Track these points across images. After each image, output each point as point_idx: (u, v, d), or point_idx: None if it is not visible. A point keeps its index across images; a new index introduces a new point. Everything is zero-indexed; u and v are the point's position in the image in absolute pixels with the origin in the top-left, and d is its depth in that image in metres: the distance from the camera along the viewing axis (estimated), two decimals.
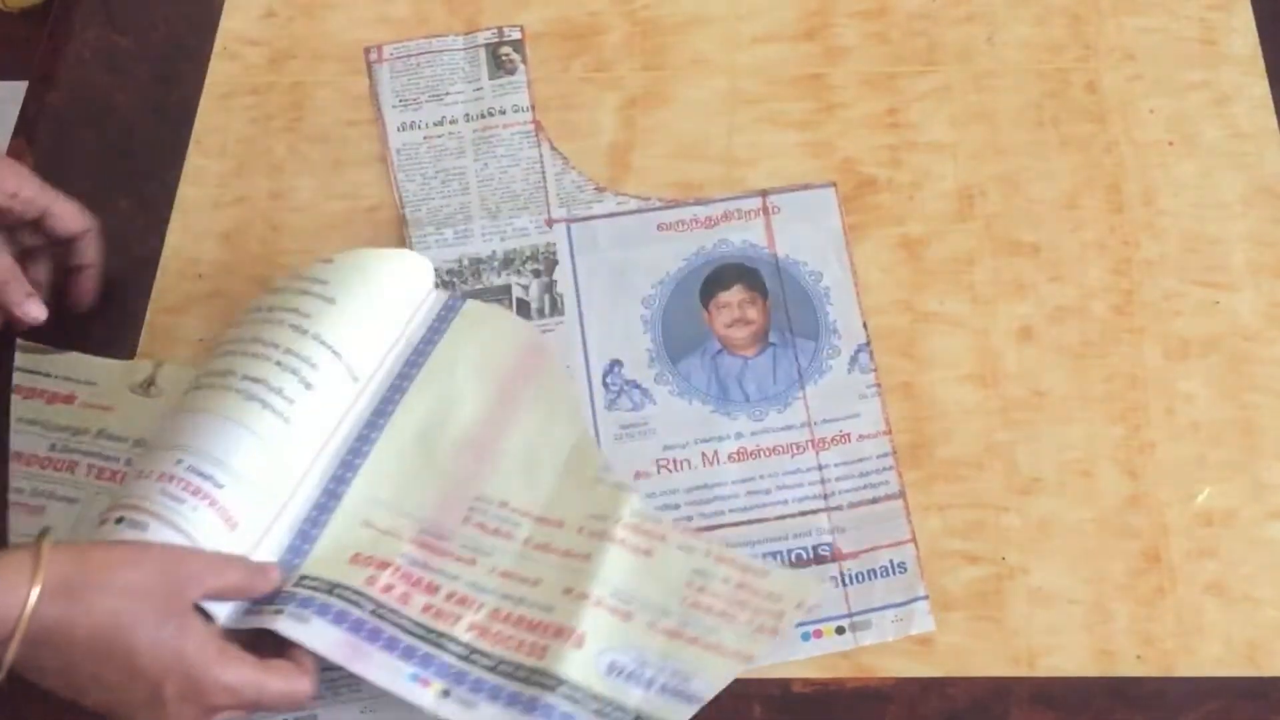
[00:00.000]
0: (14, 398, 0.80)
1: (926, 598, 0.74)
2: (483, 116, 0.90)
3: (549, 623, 0.70)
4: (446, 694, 0.68)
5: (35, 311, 0.79)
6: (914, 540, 0.75)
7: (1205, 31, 0.92)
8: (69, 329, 0.83)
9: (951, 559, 0.75)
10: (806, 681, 0.72)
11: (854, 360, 0.80)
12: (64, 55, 0.96)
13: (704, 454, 0.78)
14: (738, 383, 0.79)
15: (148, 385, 0.80)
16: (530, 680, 0.68)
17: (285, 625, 0.68)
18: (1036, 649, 0.73)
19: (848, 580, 0.74)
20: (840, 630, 0.73)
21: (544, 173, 0.87)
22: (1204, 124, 0.88)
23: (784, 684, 0.72)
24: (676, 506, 0.76)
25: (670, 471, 0.77)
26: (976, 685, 0.72)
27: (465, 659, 0.69)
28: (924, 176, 0.87)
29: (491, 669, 0.69)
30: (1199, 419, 0.79)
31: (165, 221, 0.88)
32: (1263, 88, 0.89)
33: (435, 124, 0.90)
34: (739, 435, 0.78)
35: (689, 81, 0.91)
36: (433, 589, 0.72)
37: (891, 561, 0.75)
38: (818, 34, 0.93)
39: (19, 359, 0.81)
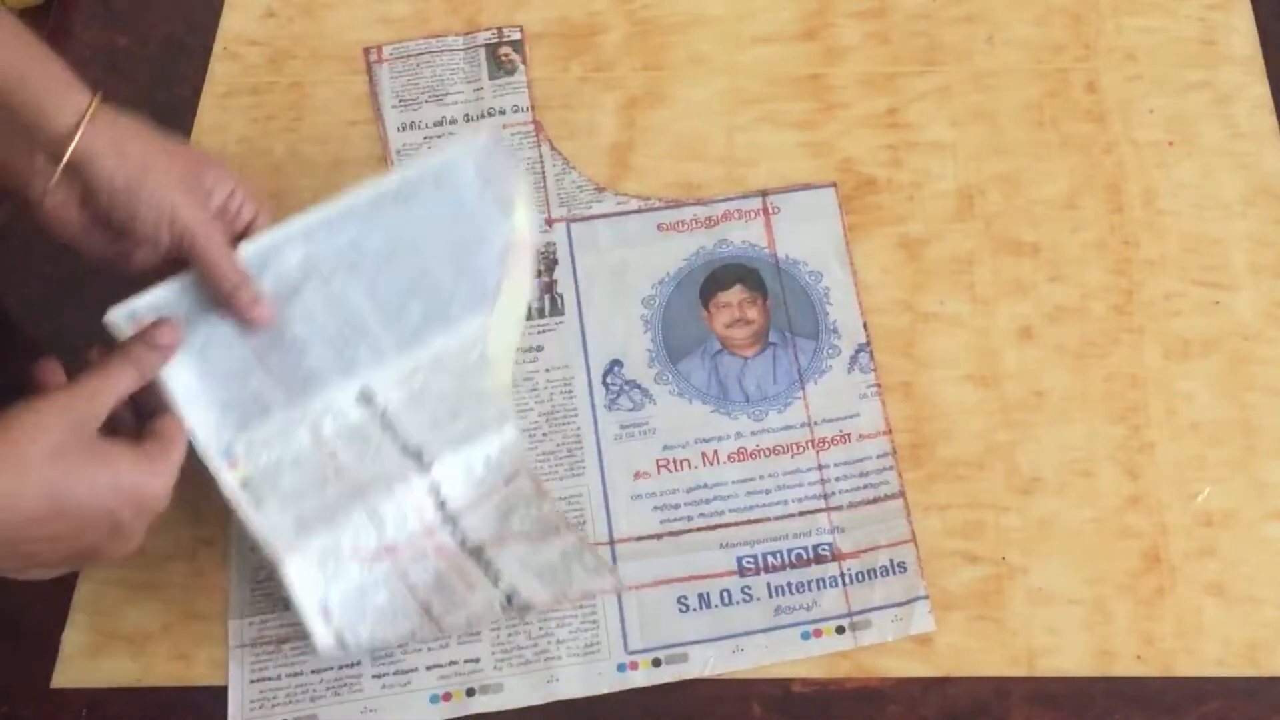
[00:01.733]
0: None
1: (927, 597, 0.74)
2: (482, 117, 0.90)
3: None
4: (246, 485, 0.71)
5: (264, 315, 0.73)
6: (914, 540, 0.75)
7: (1205, 31, 0.92)
8: (69, 328, 0.83)
9: (951, 559, 0.75)
10: (806, 681, 0.72)
11: (854, 360, 0.80)
12: (64, 55, 0.95)
13: (704, 454, 0.78)
14: (738, 382, 0.80)
15: None
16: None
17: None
18: (1036, 649, 0.73)
19: (848, 580, 0.74)
20: (840, 630, 0.73)
21: (544, 173, 0.87)
22: (1204, 124, 0.88)
23: (784, 684, 0.72)
24: (676, 506, 0.77)
25: (670, 471, 0.77)
26: (976, 685, 0.72)
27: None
28: (924, 176, 0.87)
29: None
30: (1199, 419, 0.79)
31: None
32: (1263, 88, 0.89)
33: (435, 124, 0.90)
34: (739, 435, 0.78)
35: (689, 81, 0.91)
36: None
37: (892, 561, 0.75)
38: (818, 34, 0.93)
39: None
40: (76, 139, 0.68)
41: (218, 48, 0.94)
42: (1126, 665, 0.72)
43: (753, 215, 0.85)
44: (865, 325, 0.81)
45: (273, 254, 0.73)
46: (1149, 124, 0.88)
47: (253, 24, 0.95)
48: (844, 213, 0.86)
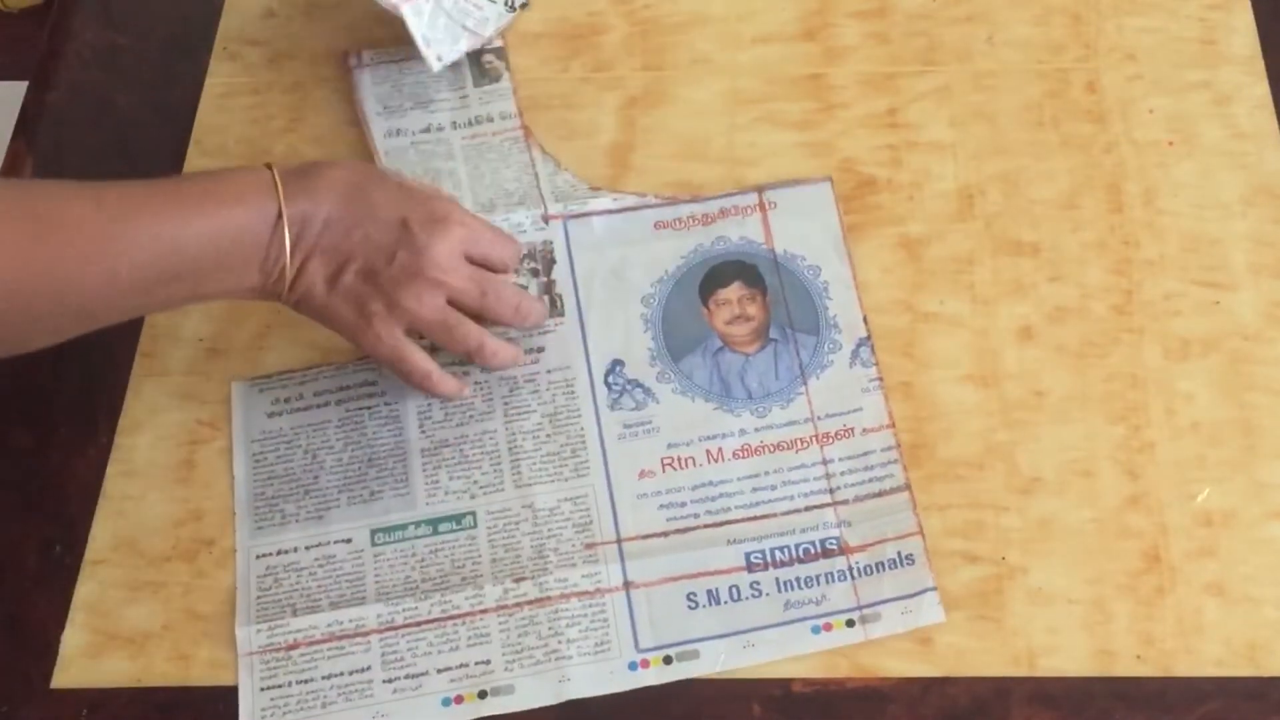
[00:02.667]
0: None
1: (935, 589, 0.74)
2: (470, 124, 0.90)
3: None
4: None
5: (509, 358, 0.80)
6: (921, 532, 0.75)
7: (1205, 31, 0.92)
8: None
9: (951, 559, 0.75)
10: (806, 681, 0.72)
11: (855, 354, 0.80)
12: (64, 55, 0.96)
13: (708, 451, 0.78)
14: (740, 379, 0.80)
15: None
16: None
17: None
18: (1036, 649, 0.73)
19: (856, 573, 0.74)
20: (850, 623, 0.73)
21: (536, 174, 0.87)
22: (1204, 124, 0.88)
23: (784, 684, 0.72)
24: (683, 504, 0.77)
25: (675, 469, 0.77)
26: (976, 685, 0.72)
27: None
28: (924, 176, 0.87)
29: None
30: (1199, 419, 0.79)
31: None
32: (1263, 88, 0.89)
33: (422, 131, 0.90)
34: (743, 432, 0.78)
35: (689, 81, 0.91)
36: None
37: (899, 554, 0.75)
38: (818, 34, 0.93)
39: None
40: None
41: (218, 48, 0.94)
42: (1126, 665, 0.72)
43: (749, 211, 0.85)
44: (865, 319, 0.81)
45: None
46: (1149, 124, 0.88)
47: (253, 24, 0.95)
48: (842, 209, 0.86)
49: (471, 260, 0.77)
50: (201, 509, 0.79)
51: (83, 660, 0.75)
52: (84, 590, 0.77)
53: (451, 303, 0.76)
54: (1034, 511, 0.76)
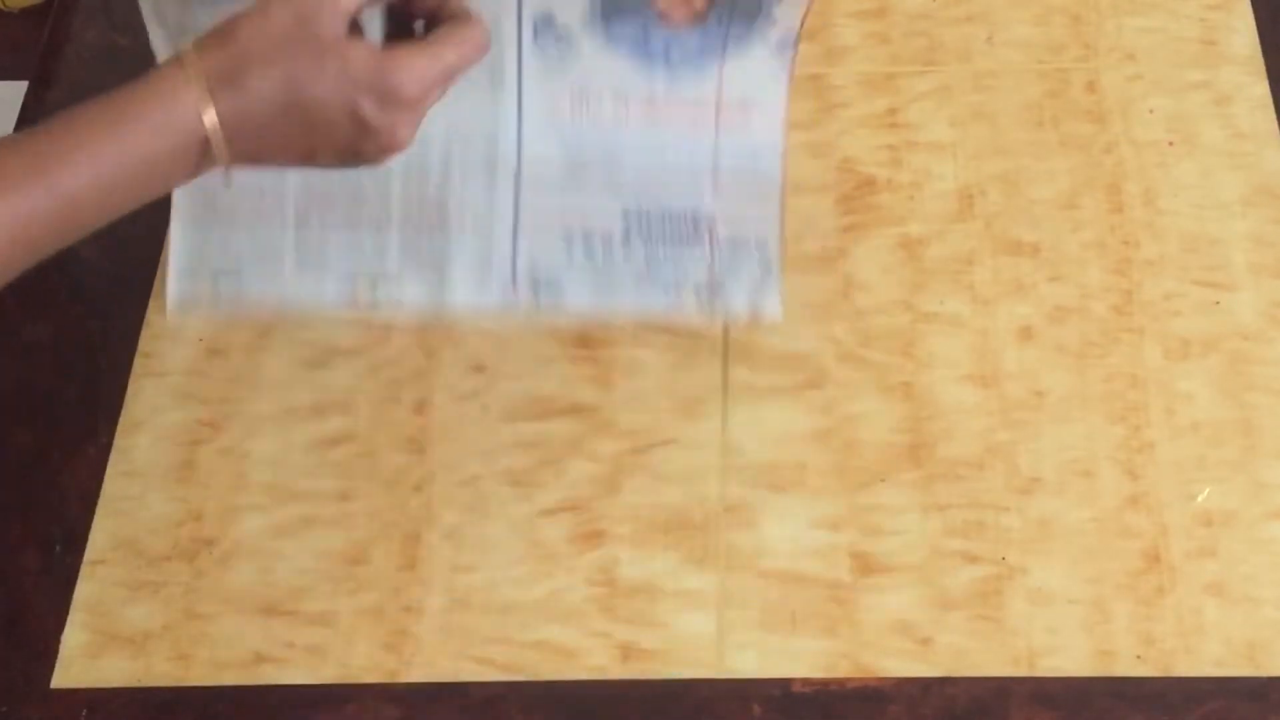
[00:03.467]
0: None
1: (779, 288, 0.77)
2: None
3: None
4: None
5: None
6: (781, 234, 0.77)
7: (1205, 31, 0.92)
8: (64, 325, 0.83)
9: (951, 559, 0.75)
10: (806, 681, 0.72)
11: (780, 49, 0.78)
12: (64, 55, 0.96)
13: (614, 103, 0.78)
14: (664, 50, 0.78)
15: None
16: None
17: None
18: (1036, 649, 0.73)
19: (715, 251, 0.77)
20: (698, 296, 0.77)
21: None
22: (1204, 124, 0.88)
23: (784, 684, 0.72)
24: (580, 146, 0.77)
25: (579, 115, 0.78)
26: (976, 685, 0.72)
27: None
28: (924, 176, 0.87)
29: None
30: (1199, 419, 0.79)
31: (165, 221, 0.88)
32: (1263, 88, 0.89)
33: None
34: (651, 97, 0.78)
35: None
36: None
37: (756, 242, 0.77)
38: (818, 34, 0.93)
39: None
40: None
41: None
42: (1126, 665, 0.72)
43: None
44: (804, 20, 0.78)
45: None
46: (1149, 124, 0.88)
47: None
48: (841, 213, 0.86)
49: None
50: (201, 509, 0.79)
51: (83, 660, 0.75)
52: (84, 590, 0.77)
53: None
54: (1034, 511, 0.76)
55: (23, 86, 0.94)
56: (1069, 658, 0.73)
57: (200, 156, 0.64)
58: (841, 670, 0.73)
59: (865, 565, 0.75)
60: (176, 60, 0.64)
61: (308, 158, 0.66)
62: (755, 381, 0.81)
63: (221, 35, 0.65)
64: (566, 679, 0.73)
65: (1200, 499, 0.76)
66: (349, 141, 0.66)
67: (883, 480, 0.78)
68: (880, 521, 0.77)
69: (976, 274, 0.84)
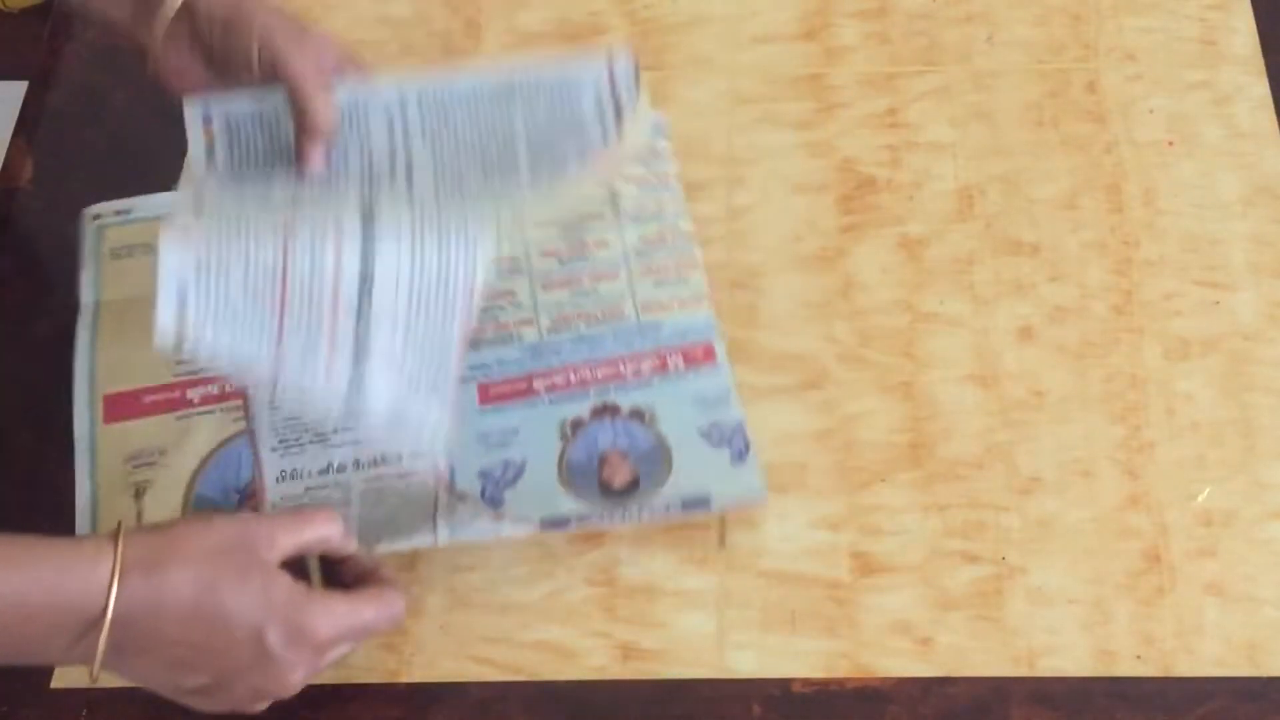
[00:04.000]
0: None
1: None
2: None
3: None
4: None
5: (317, 163, 0.76)
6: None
7: (1205, 31, 0.92)
8: (64, 325, 0.83)
9: (951, 559, 0.75)
10: (806, 681, 0.72)
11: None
12: (64, 55, 0.96)
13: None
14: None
15: None
16: None
17: None
18: (1036, 649, 0.73)
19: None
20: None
21: None
22: (1204, 124, 0.88)
23: (784, 684, 0.72)
24: None
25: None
26: (976, 685, 0.72)
27: None
28: (924, 176, 0.87)
29: None
30: (1199, 419, 0.79)
31: None
32: (1263, 88, 0.89)
33: None
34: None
35: (689, 81, 0.91)
36: None
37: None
38: (818, 34, 0.93)
39: None
40: None
41: None
42: (1126, 665, 0.72)
43: None
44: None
45: (357, 112, 0.75)
46: (1149, 124, 0.88)
47: None
48: (841, 213, 0.86)
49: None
50: None
51: None
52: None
53: None
54: (1034, 511, 0.76)
55: (23, 86, 0.94)
56: (1069, 658, 0.73)
57: (80, 633, 0.62)
58: (841, 670, 0.73)
59: (865, 565, 0.75)
60: (108, 536, 0.63)
61: (189, 670, 0.64)
62: (755, 381, 0.81)
63: (159, 528, 0.65)
64: (566, 679, 0.73)
65: (1200, 499, 0.76)
66: (243, 666, 0.64)
67: (883, 480, 0.78)
68: (880, 521, 0.77)
69: (976, 274, 0.84)
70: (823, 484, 0.78)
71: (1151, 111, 0.89)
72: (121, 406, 0.79)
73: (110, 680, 0.74)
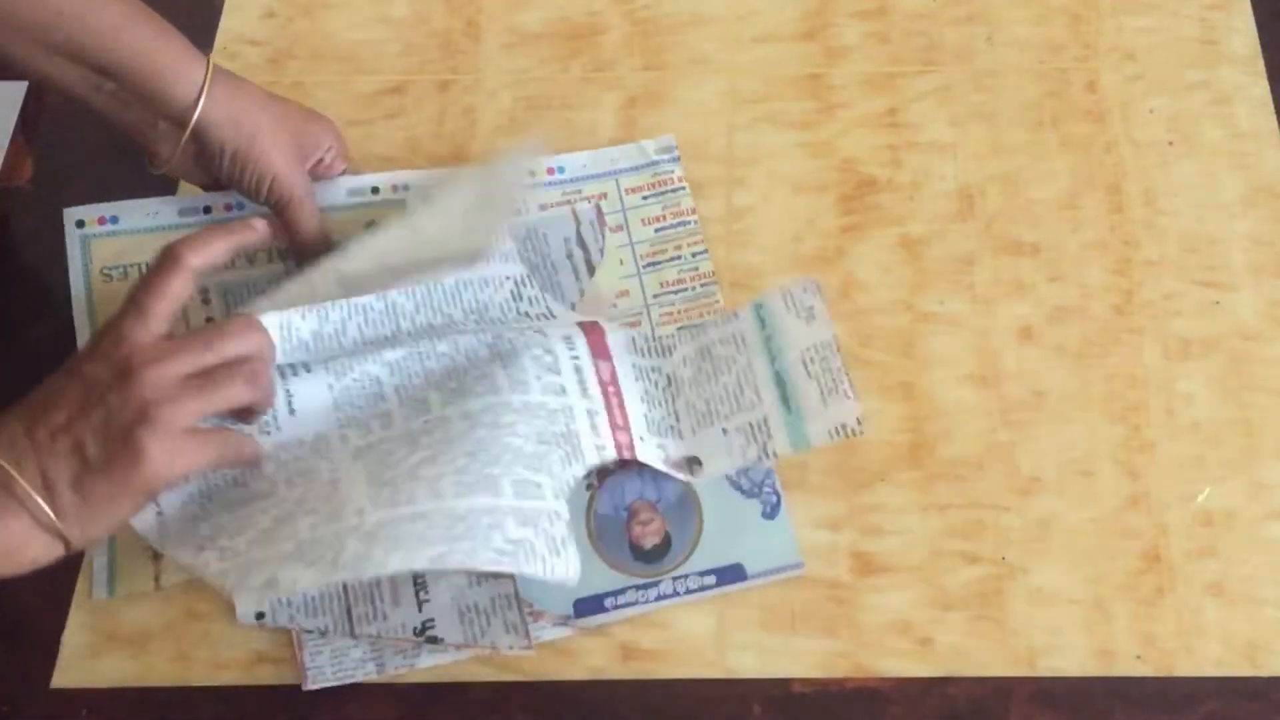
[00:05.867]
0: None
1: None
2: None
3: None
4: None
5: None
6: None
7: (1205, 31, 0.92)
8: (64, 325, 0.83)
9: (951, 559, 0.75)
10: (806, 681, 0.72)
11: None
12: None
13: None
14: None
15: None
16: None
17: None
18: (1036, 649, 0.73)
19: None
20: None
21: None
22: (1204, 124, 0.88)
23: (784, 684, 0.72)
24: None
25: None
26: (976, 685, 0.72)
27: None
28: (924, 176, 0.87)
29: None
30: (1199, 419, 0.79)
31: None
32: (1263, 88, 0.89)
33: None
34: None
35: (689, 81, 0.91)
36: None
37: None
38: (818, 34, 0.93)
39: None
40: (197, 113, 0.76)
41: (218, 48, 0.94)
42: (1126, 665, 0.72)
43: None
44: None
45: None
46: (1149, 124, 0.88)
47: (253, 24, 0.95)
48: (841, 213, 0.86)
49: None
50: None
51: (83, 660, 0.75)
52: (84, 589, 0.76)
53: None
54: (1034, 511, 0.76)
55: (23, 87, 0.94)
56: (1069, 658, 0.73)
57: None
58: (841, 670, 0.73)
59: (865, 565, 0.75)
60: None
61: (79, 429, 0.66)
62: None
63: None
64: (566, 679, 0.73)
65: (1200, 499, 0.76)
66: (105, 396, 0.66)
67: (883, 480, 0.78)
68: (880, 521, 0.77)
69: (976, 274, 0.84)
70: (823, 484, 0.78)
71: (1151, 111, 0.89)
72: None
73: (111, 680, 0.74)
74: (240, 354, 0.69)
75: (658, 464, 0.75)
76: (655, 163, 0.87)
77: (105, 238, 0.84)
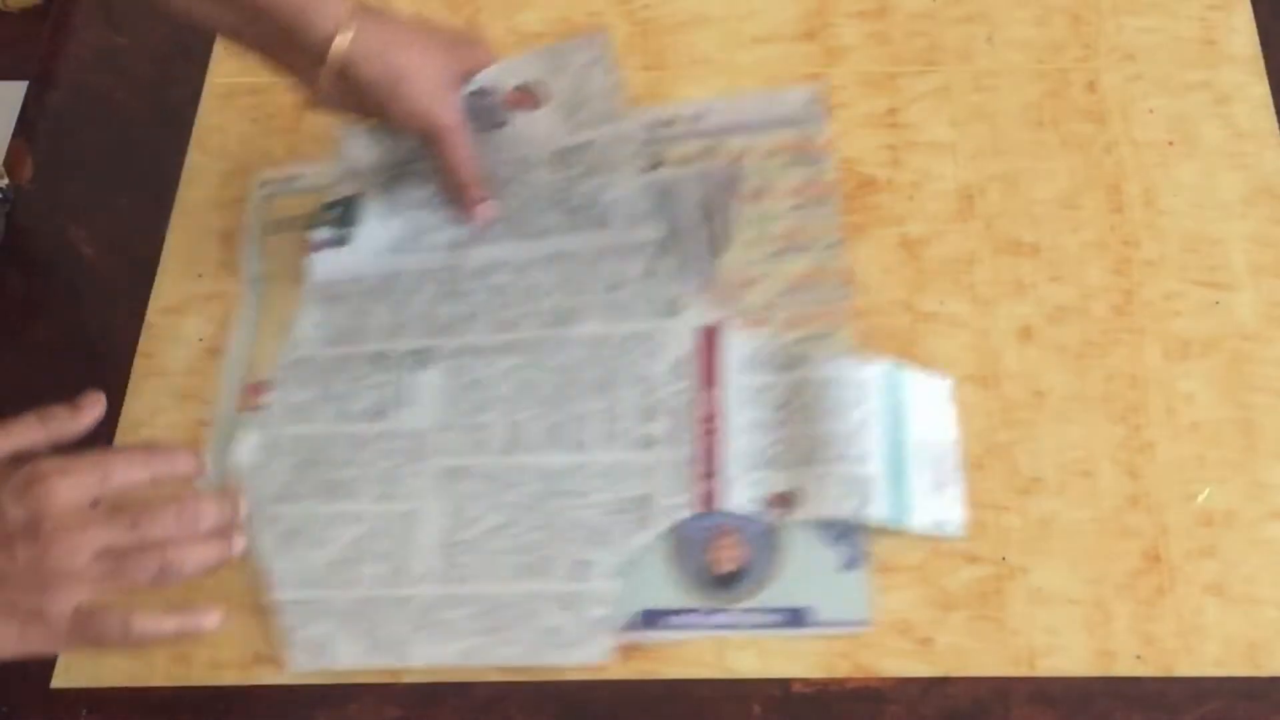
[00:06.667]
0: None
1: None
2: None
3: None
4: None
5: (487, 214, 0.82)
6: None
7: (1205, 31, 0.92)
8: (64, 325, 0.83)
9: (951, 559, 0.75)
10: (806, 681, 0.72)
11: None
12: (64, 55, 0.96)
13: None
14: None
15: None
16: None
17: None
18: (1036, 649, 0.73)
19: None
20: None
21: None
22: (1204, 124, 0.88)
23: (784, 684, 0.72)
24: None
25: None
26: (976, 685, 0.72)
27: None
28: (924, 176, 0.87)
29: None
30: (1199, 419, 0.79)
31: (165, 221, 0.88)
32: (1263, 88, 0.89)
33: None
34: None
35: (689, 81, 0.91)
36: None
37: None
38: (818, 34, 0.93)
39: None
40: (343, 49, 0.75)
41: (218, 48, 0.94)
42: (1126, 665, 0.72)
43: None
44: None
45: None
46: (1149, 124, 0.88)
47: None
48: (844, 211, 0.86)
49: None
50: None
51: (83, 660, 0.75)
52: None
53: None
54: (1034, 511, 0.76)
55: (23, 86, 0.94)
56: (1069, 658, 0.73)
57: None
58: (841, 670, 0.73)
59: (865, 565, 0.75)
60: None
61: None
62: None
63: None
64: (566, 679, 0.73)
65: (1200, 499, 0.76)
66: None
67: None
68: None
69: (976, 274, 0.84)
70: None
71: (1151, 111, 0.89)
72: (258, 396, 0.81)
73: (111, 680, 0.74)
74: (162, 537, 0.64)
75: (743, 507, 0.75)
76: (800, 120, 0.82)
77: (284, 195, 0.87)
